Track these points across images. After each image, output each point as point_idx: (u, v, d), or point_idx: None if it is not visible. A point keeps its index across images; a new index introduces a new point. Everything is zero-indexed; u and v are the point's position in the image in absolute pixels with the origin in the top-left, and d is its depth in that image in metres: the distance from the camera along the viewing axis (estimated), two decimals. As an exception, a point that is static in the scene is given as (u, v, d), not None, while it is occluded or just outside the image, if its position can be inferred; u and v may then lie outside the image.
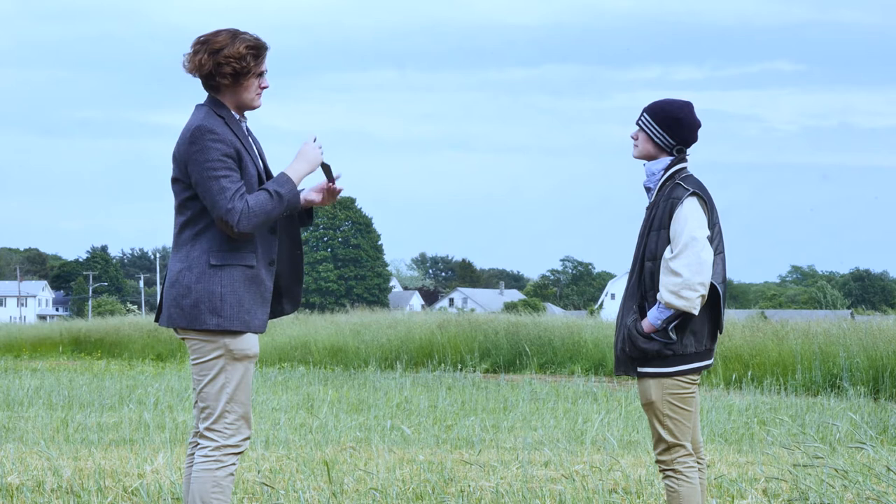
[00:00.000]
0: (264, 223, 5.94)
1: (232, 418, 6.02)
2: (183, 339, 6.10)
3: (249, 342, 6.02)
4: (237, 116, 6.10)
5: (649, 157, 6.49)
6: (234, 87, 6.05)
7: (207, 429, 6.02)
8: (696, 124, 6.48)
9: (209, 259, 5.98)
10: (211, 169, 5.90)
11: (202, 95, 6.12)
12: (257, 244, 6.03)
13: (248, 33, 6.05)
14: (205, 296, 5.95)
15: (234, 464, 6.05)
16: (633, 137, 6.53)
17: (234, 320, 5.96)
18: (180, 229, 6.06)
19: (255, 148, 6.13)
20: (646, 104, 6.52)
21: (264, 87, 6.11)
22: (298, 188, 6.08)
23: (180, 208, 6.06)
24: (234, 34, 6.02)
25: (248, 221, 5.89)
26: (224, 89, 6.05)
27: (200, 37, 6.04)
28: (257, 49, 6.04)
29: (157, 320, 6.18)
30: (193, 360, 6.05)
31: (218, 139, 5.94)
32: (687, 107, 6.47)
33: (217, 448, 6.02)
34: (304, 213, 6.24)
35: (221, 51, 5.97)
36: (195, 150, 5.93)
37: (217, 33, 6.02)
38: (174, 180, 6.05)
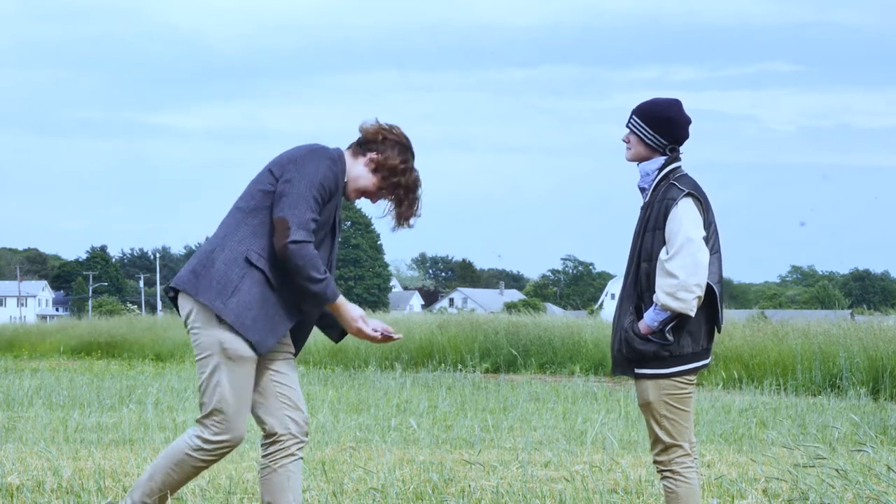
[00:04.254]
0: (299, 270, 5.95)
1: (220, 417, 6.10)
2: (188, 331, 6.17)
3: (243, 345, 6.05)
4: (345, 180, 6.22)
5: (642, 159, 6.45)
6: (371, 180, 6.22)
7: (199, 420, 6.16)
8: (686, 121, 6.43)
9: (248, 253, 6.02)
10: (311, 185, 6.01)
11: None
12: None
13: (417, 172, 6.30)
14: (223, 278, 6.01)
15: (213, 460, 6.15)
16: (624, 141, 6.49)
17: (230, 314, 5.98)
18: (234, 212, 6.12)
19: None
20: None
21: (360, 197, 6.31)
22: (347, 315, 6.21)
23: (248, 196, 6.11)
24: (417, 176, 6.31)
25: (301, 251, 5.94)
26: (366, 169, 6.22)
27: (410, 145, 6.29)
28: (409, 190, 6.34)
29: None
30: (195, 354, 6.15)
31: (334, 170, 6.08)
32: (675, 105, 6.43)
33: (205, 440, 6.13)
34: (340, 331, 6.40)
35: (402, 181, 6.24)
36: (310, 160, 6.05)
37: (413, 168, 6.28)
38: (267, 172, 6.11)
